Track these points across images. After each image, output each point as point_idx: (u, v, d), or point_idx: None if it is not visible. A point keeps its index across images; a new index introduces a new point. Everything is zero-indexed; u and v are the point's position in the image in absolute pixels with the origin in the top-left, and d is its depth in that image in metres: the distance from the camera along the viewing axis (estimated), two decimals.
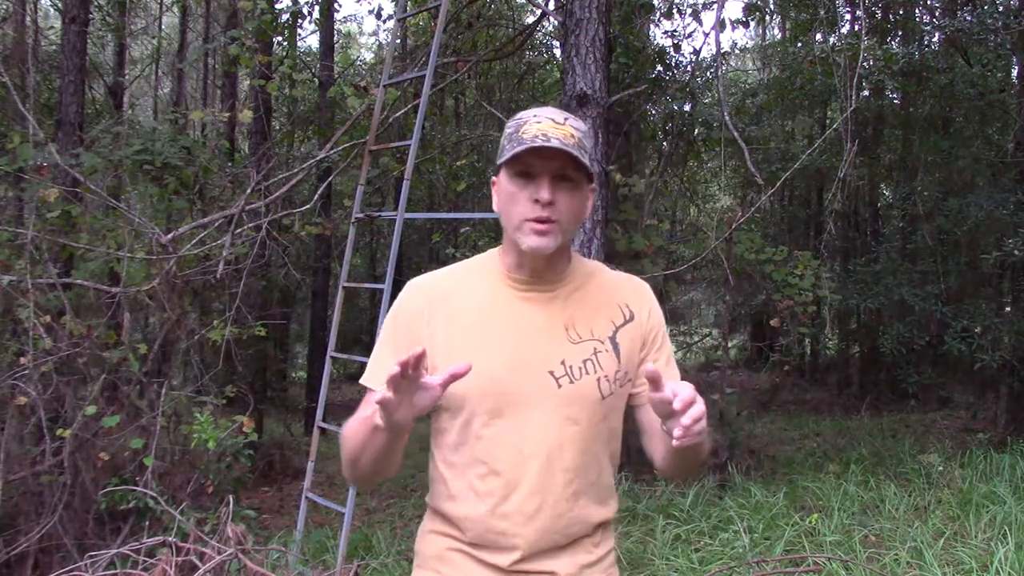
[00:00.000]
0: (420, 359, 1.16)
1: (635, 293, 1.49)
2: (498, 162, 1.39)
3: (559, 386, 1.38)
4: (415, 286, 1.47)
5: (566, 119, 1.36)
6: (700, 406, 1.17)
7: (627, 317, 1.45)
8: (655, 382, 1.19)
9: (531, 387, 1.38)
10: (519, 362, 1.38)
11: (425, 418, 1.46)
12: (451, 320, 1.41)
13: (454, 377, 1.20)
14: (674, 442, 1.17)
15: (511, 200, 1.37)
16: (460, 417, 1.39)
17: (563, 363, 1.39)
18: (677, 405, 1.16)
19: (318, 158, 6.30)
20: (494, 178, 1.43)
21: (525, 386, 1.37)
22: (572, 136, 1.33)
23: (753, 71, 15.57)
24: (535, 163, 1.33)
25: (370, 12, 15.61)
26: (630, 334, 1.44)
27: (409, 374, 1.16)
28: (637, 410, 1.48)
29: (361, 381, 1.44)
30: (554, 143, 1.30)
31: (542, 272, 1.42)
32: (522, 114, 1.39)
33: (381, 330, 1.48)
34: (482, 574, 1.40)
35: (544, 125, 1.33)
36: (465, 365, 1.20)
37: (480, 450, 1.39)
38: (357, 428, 1.36)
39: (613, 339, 1.42)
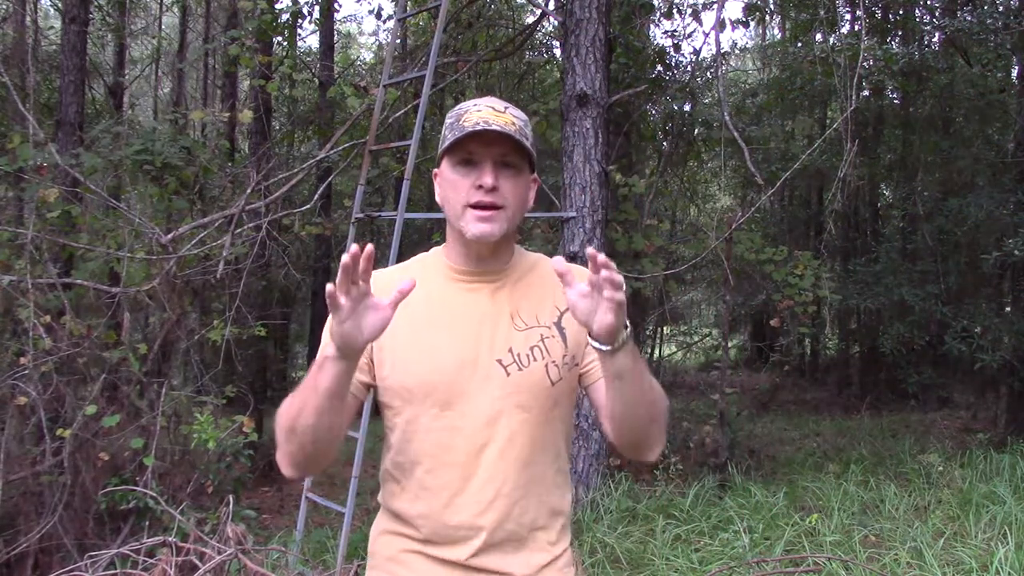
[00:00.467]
0: (370, 255, 1.13)
1: (578, 278, 1.48)
2: (439, 152, 1.38)
3: (508, 374, 1.38)
4: None
5: (506, 108, 1.37)
6: (616, 274, 1.15)
7: None
8: (563, 276, 1.18)
9: (480, 376, 1.37)
10: (467, 353, 1.37)
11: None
12: (396, 315, 1.35)
13: (402, 294, 1.17)
14: (603, 315, 1.16)
15: (453, 188, 1.36)
16: (407, 412, 1.38)
17: (511, 351, 1.38)
18: (599, 259, 1.14)
19: (318, 158, 6.30)
20: (435, 171, 1.42)
21: (474, 376, 1.37)
22: (513, 124, 1.34)
23: (753, 71, 15.56)
24: (476, 149, 1.34)
25: (370, 12, 15.59)
26: None
27: (359, 270, 1.13)
28: (589, 390, 1.46)
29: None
30: (495, 128, 1.30)
31: (488, 261, 1.42)
32: (462, 104, 1.39)
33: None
34: (438, 572, 1.38)
35: (484, 113, 1.34)
36: (410, 282, 1.17)
37: (431, 444, 1.37)
38: (296, 391, 1.30)
39: (559, 324, 1.42)
